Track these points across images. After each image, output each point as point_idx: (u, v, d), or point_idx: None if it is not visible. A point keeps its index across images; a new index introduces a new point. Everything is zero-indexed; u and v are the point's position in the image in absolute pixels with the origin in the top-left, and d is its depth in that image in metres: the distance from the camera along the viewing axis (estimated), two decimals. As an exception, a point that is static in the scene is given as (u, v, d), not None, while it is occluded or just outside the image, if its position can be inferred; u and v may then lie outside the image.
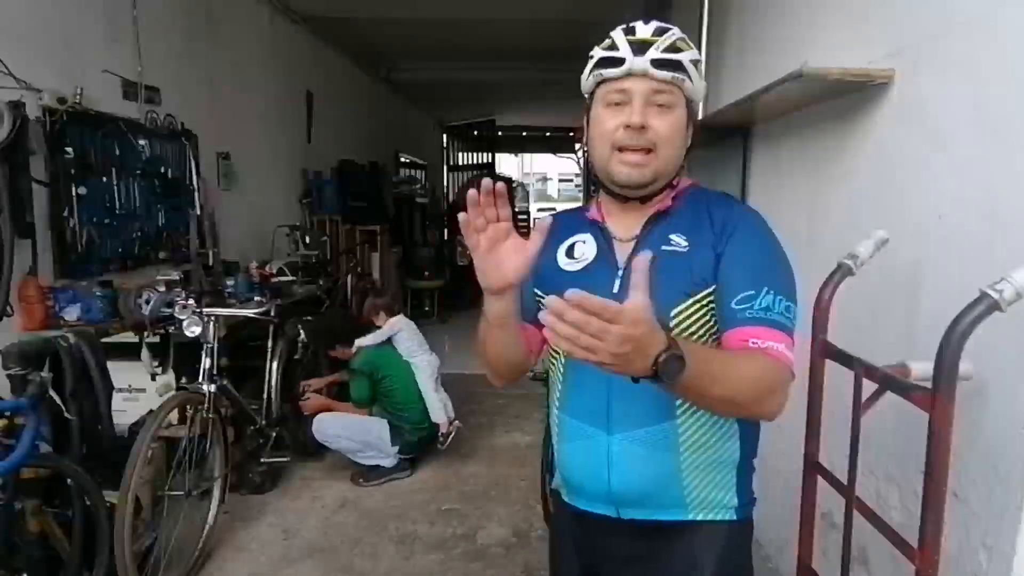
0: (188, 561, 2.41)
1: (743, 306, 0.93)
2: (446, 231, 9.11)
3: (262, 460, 3.04)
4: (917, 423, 1.12)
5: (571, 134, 12.57)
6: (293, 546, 2.63)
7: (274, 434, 3.12)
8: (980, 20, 1.27)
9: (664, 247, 1.02)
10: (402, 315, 3.51)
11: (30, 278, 2.64)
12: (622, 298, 0.91)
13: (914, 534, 1.11)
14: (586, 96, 1.06)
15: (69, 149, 2.83)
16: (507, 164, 15.10)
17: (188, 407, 2.50)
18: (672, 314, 0.98)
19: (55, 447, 2.06)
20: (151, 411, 2.32)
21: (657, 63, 0.96)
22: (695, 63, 0.99)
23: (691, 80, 0.99)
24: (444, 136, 12.23)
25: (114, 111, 3.16)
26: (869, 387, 1.23)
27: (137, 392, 2.83)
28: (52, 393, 2.02)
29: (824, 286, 1.36)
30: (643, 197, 1.05)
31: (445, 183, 12.09)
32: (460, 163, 12.60)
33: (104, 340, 2.65)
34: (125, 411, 2.63)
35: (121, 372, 2.67)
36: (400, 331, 3.38)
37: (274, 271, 4.02)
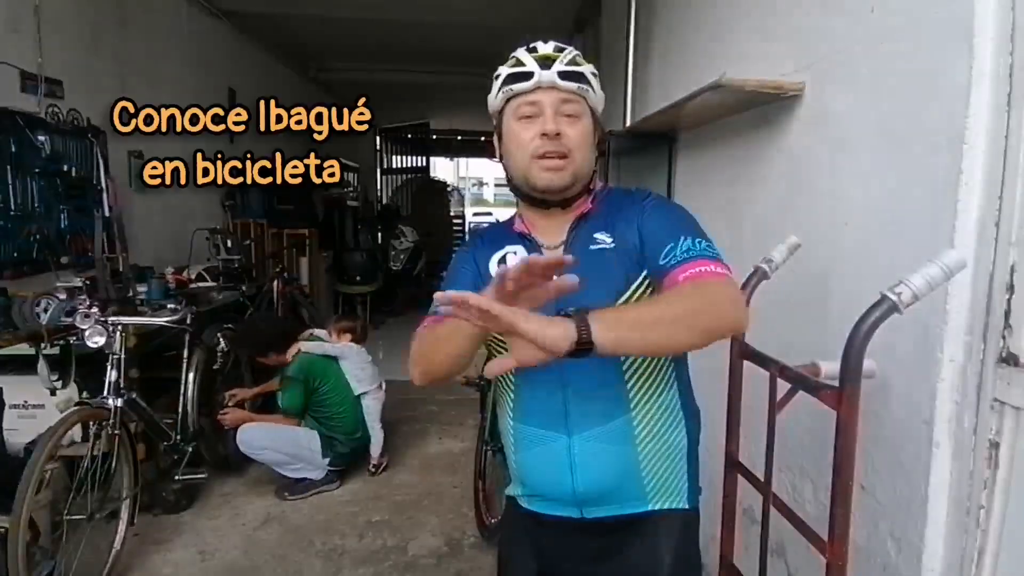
0: (92, 589, 2.24)
1: (667, 258, 0.99)
2: (379, 235, 8.94)
3: (177, 478, 2.87)
4: (827, 420, 1.16)
5: (481, 139, 12.65)
6: (211, 568, 2.49)
7: (190, 449, 2.94)
8: (883, 37, 1.34)
9: (592, 246, 1.08)
10: (362, 347, 3.45)
11: (-93, 285, 2.40)
12: (562, 301, 0.94)
13: (826, 527, 1.15)
14: (494, 115, 1.13)
15: (-44, 145, 2.60)
16: (442, 168, 15.02)
17: (91, 423, 2.32)
18: (616, 305, 1.03)
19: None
20: (49, 429, 2.14)
21: (563, 75, 1.04)
22: (594, 75, 1.08)
23: (593, 90, 1.07)
24: (377, 139, 12.03)
25: (10, 104, 2.92)
26: (783, 387, 1.28)
27: (35, 408, 2.62)
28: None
29: (741, 289, 1.41)
30: (564, 202, 1.10)
31: (378, 186, 11.89)
32: (394, 166, 12.42)
33: (-6, 353, 2.45)
34: (18, 429, 2.44)
35: (15, 387, 2.47)
36: (347, 358, 3.30)
37: (192, 277, 3.83)
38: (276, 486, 3.11)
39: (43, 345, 2.47)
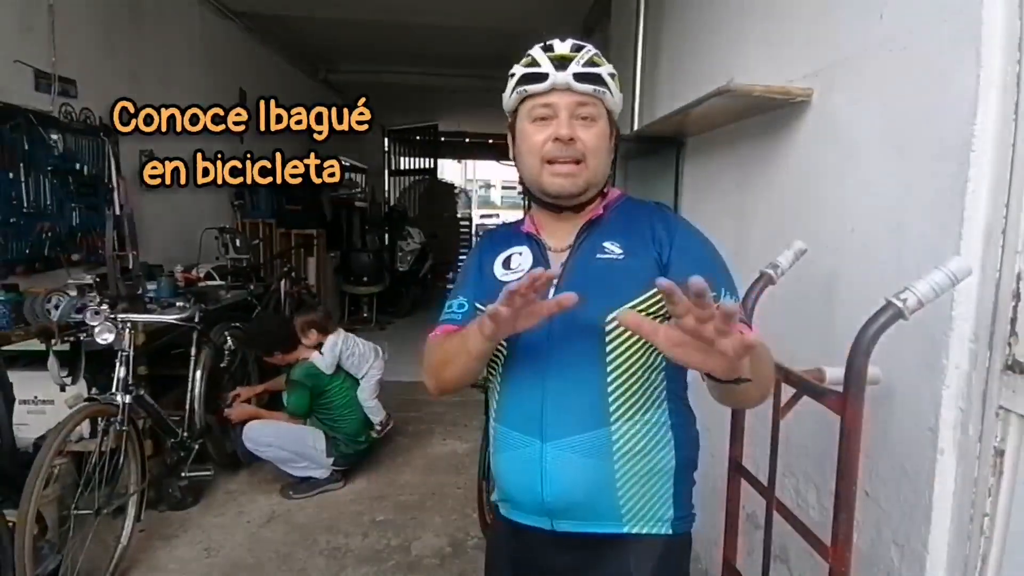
0: (98, 584, 2.26)
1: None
2: (386, 236, 8.97)
3: (183, 474, 2.88)
4: (832, 426, 1.16)
5: (489, 141, 12.63)
6: (215, 565, 2.50)
7: (197, 446, 2.96)
8: (889, 44, 1.34)
9: (599, 255, 1.05)
10: (339, 330, 3.38)
11: (-78, 281, 2.43)
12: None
13: (830, 532, 1.15)
14: (508, 114, 1.10)
15: (-30, 142, 2.64)
16: (450, 170, 15.05)
17: (100, 419, 2.34)
18: (608, 319, 1.00)
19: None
20: (58, 424, 2.17)
21: (579, 76, 1.00)
22: (612, 76, 1.04)
23: (611, 92, 1.03)
24: (386, 140, 12.06)
25: (24, 103, 2.96)
26: (788, 392, 1.28)
27: (44, 404, 2.64)
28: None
29: (747, 294, 1.41)
30: (576, 206, 1.08)
31: (386, 188, 11.92)
32: (402, 168, 12.45)
33: (6, 348, 2.47)
34: (28, 424, 2.46)
35: (26, 382, 2.49)
36: (340, 353, 3.27)
37: (201, 275, 3.86)
38: (281, 484, 3.12)
39: (53, 341, 2.49)
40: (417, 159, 12.51)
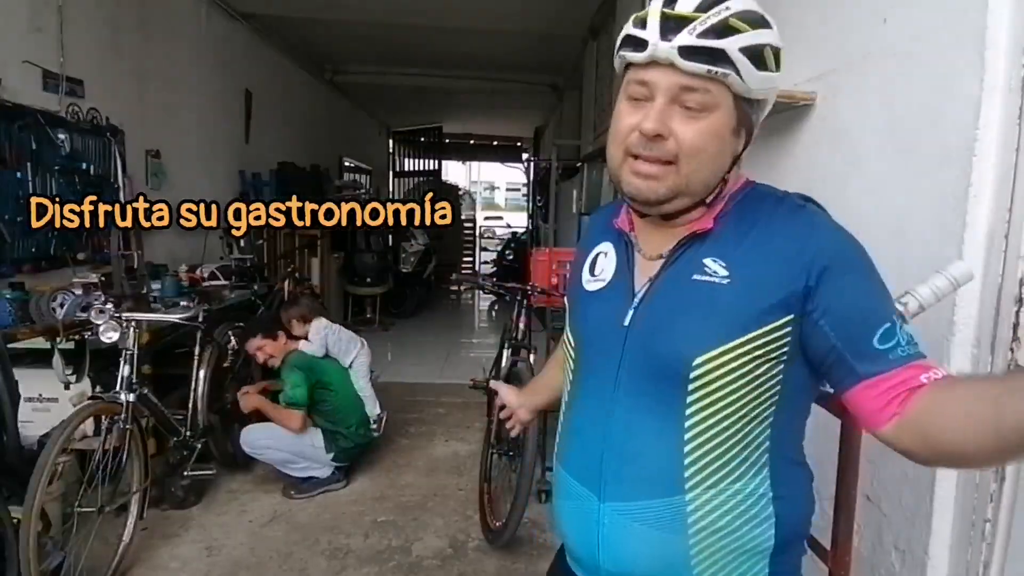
0: (101, 581, 2.27)
1: (889, 344, 0.74)
2: (390, 237, 8.99)
3: (185, 473, 2.89)
4: (833, 429, 1.16)
5: (493, 143, 12.63)
6: (217, 563, 2.51)
7: (199, 445, 2.97)
8: (894, 50, 1.34)
9: (696, 275, 0.81)
10: (320, 318, 3.39)
11: (-71, 278, 2.45)
12: (634, 333, 0.84)
13: (830, 536, 1.15)
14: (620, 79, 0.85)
15: (-22, 141, 2.66)
16: (454, 171, 15.08)
17: (104, 418, 2.35)
18: (696, 363, 0.78)
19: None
20: (63, 422, 2.18)
21: (687, 51, 0.73)
22: (750, 50, 0.74)
23: (740, 74, 0.74)
24: (390, 141, 12.12)
25: (32, 103, 2.98)
26: (789, 395, 1.28)
27: (49, 402, 2.65)
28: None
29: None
30: (664, 215, 0.83)
31: (391, 189, 11.96)
32: (407, 169, 12.50)
33: (12, 346, 2.48)
34: (33, 422, 2.47)
35: (31, 380, 2.50)
36: (326, 336, 3.27)
37: (205, 275, 3.87)
38: (283, 484, 3.12)
39: (58, 339, 2.51)
40: (421, 160, 12.57)
